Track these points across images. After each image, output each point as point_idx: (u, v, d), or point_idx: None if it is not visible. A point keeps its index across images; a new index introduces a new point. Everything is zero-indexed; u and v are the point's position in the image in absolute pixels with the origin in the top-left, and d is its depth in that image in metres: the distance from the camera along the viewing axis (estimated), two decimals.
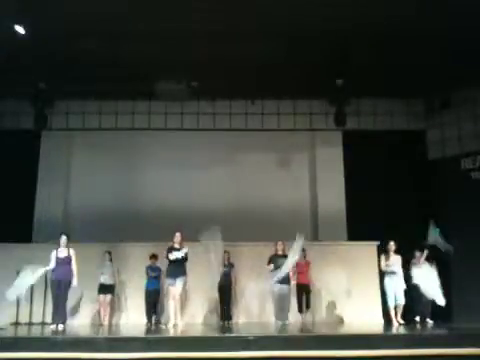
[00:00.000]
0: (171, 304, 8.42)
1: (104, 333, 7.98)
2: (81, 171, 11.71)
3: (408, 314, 9.10)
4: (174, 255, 8.34)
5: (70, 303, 9.15)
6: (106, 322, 9.41)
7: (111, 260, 9.54)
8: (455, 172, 11.04)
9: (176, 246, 8.45)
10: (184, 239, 8.52)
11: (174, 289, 8.31)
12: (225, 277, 9.58)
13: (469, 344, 5.91)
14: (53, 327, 7.98)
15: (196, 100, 11.32)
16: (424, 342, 6.15)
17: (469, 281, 10.16)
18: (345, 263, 10.18)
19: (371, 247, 10.04)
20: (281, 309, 8.89)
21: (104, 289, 9.42)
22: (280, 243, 9.06)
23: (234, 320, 9.83)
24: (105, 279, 9.41)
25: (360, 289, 10.03)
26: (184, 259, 8.36)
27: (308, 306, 9.67)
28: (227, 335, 7.08)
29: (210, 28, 8.53)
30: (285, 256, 9.02)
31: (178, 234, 8.49)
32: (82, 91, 10.89)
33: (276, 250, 9.07)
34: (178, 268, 8.33)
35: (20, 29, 8.49)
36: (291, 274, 8.96)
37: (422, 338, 6.62)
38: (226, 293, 9.65)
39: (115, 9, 8.12)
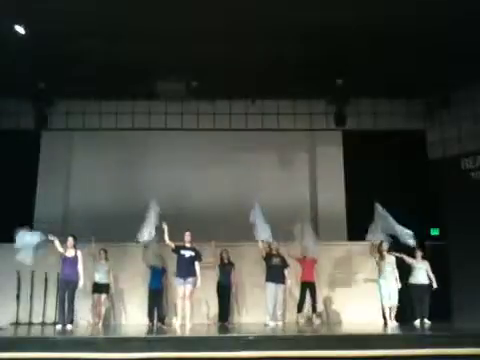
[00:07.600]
0: (179, 303, 8.40)
1: (103, 333, 7.98)
2: (81, 171, 11.72)
3: (406, 314, 9.13)
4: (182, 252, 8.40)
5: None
6: (100, 321, 9.35)
7: (106, 259, 9.49)
8: (455, 172, 11.02)
9: (187, 245, 8.49)
10: (194, 239, 8.58)
11: (183, 288, 8.29)
12: (225, 276, 9.59)
13: (469, 344, 5.93)
14: (59, 327, 8.00)
15: (196, 100, 11.31)
16: (424, 342, 6.17)
17: (469, 281, 10.14)
18: (345, 263, 10.19)
19: None
20: (274, 308, 8.93)
21: (99, 288, 9.38)
22: (274, 243, 9.17)
23: (235, 320, 9.83)
24: (100, 278, 9.39)
25: (360, 289, 10.04)
26: (194, 258, 8.37)
27: (314, 307, 9.55)
28: (227, 335, 7.09)
29: (210, 28, 8.53)
30: (279, 255, 9.13)
31: (188, 233, 8.53)
32: (82, 91, 10.87)
33: (271, 250, 9.21)
34: (188, 268, 8.32)
35: (20, 29, 8.49)
36: (286, 273, 9.05)
37: (422, 338, 6.63)
38: (225, 293, 9.63)
39: (115, 9, 8.10)
